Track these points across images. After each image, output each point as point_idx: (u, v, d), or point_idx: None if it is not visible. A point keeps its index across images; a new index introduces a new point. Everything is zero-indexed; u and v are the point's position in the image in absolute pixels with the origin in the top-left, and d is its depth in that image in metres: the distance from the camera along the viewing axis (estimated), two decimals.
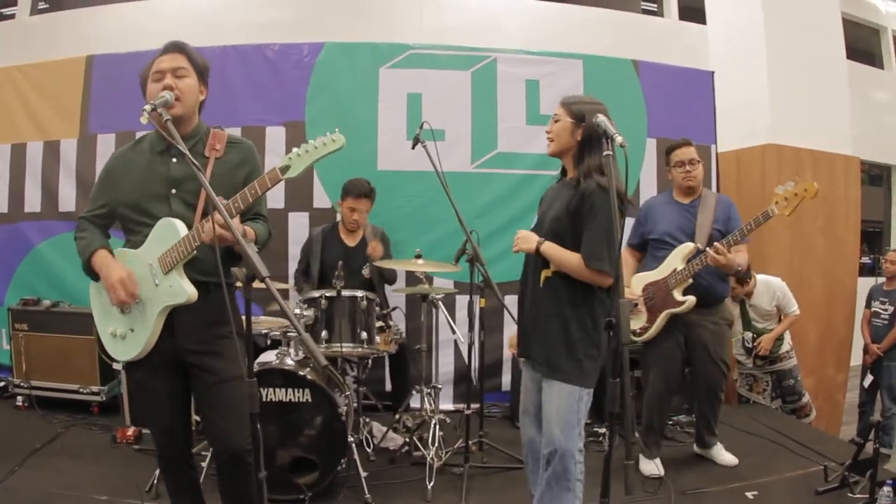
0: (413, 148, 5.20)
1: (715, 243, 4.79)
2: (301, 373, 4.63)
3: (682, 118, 7.16)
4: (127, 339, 3.22)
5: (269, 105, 6.78)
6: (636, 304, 5.06)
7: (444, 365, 6.56)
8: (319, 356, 2.42)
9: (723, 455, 5.35)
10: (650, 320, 5.06)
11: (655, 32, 8.66)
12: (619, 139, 3.03)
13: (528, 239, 3.66)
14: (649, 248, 5.25)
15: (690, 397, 5.89)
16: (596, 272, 3.46)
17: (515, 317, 3.97)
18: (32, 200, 7.42)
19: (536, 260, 3.69)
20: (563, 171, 3.84)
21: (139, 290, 3.13)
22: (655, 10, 9.37)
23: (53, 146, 7.33)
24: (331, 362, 5.20)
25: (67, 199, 7.24)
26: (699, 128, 7.14)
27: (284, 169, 2.90)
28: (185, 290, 3.06)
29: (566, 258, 3.51)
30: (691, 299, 4.96)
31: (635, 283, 5.15)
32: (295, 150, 2.90)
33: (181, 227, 3.06)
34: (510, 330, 6.42)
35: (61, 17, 9.30)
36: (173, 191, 3.19)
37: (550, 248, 3.56)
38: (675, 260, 5.01)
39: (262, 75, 6.84)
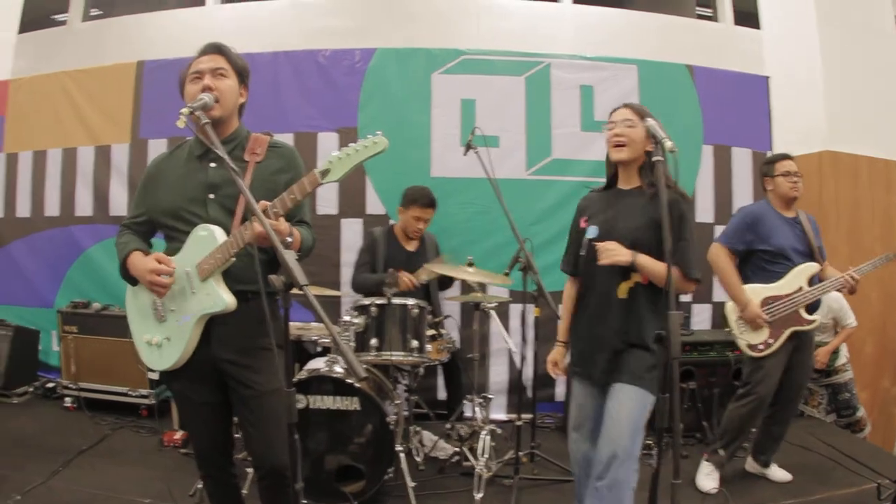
0: (465, 154, 5.17)
1: (853, 274, 4.82)
2: (350, 380, 4.58)
3: (737, 124, 7.07)
4: (163, 348, 3.17)
5: (321, 111, 6.79)
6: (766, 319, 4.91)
7: (497, 374, 6.53)
8: (358, 367, 2.33)
9: (776, 471, 5.23)
10: (773, 336, 4.89)
11: (710, 37, 8.48)
12: (668, 143, 3.03)
13: (619, 251, 3.42)
14: (756, 259, 5.02)
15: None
16: (692, 281, 3.53)
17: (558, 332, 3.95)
18: (83, 204, 7.54)
19: (612, 271, 3.51)
20: (611, 180, 3.77)
21: (174, 266, 3.06)
22: (710, 14, 9.18)
23: (104, 151, 7.45)
24: (382, 370, 5.14)
25: (119, 203, 7.33)
26: (754, 134, 7.06)
27: (324, 173, 2.79)
28: (222, 299, 2.99)
29: (661, 269, 3.34)
30: (818, 318, 4.94)
31: (752, 295, 4.95)
32: (335, 153, 2.79)
33: (219, 233, 3.00)
34: None
35: (112, 23, 9.30)
36: (211, 196, 3.13)
37: (646, 260, 3.42)
38: (800, 278, 4.89)
39: (314, 81, 6.85)
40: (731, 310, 5.03)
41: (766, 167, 5.20)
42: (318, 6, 8.04)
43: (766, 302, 4.89)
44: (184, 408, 3.47)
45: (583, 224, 3.74)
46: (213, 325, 3.08)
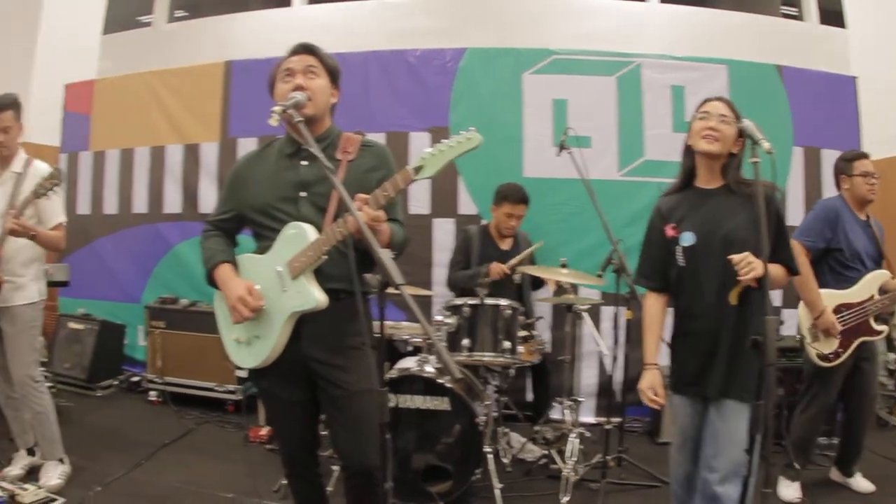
0: (559, 154, 5.14)
1: None
2: (440, 380, 4.58)
3: (826, 126, 6.91)
4: (252, 346, 3.16)
5: (412, 111, 6.79)
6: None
7: (588, 377, 6.47)
8: (453, 367, 2.26)
9: (860, 481, 5.08)
10: (843, 346, 4.73)
11: (796, 36, 8.35)
12: (766, 145, 2.92)
13: (757, 263, 3.06)
14: (831, 261, 4.82)
15: (834, 420, 5.57)
16: (791, 275, 3.41)
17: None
18: (172, 202, 7.68)
19: (725, 278, 3.27)
20: (685, 179, 3.54)
21: (262, 302, 3.05)
22: (795, 14, 9.03)
23: (193, 149, 7.58)
24: (472, 371, 5.12)
25: (207, 201, 7.42)
26: (843, 136, 6.88)
27: (417, 169, 2.73)
28: (314, 296, 2.95)
29: (773, 270, 3.15)
30: (886, 329, 4.78)
31: (826, 301, 4.75)
32: (428, 149, 2.73)
33: (310, 231, 2.97)
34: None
35: (198, 24, 9.44)
36: (303, 194, 3.11)
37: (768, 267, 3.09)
38: (872, 286, 4.74)
39: (405, 81, 6.86)
40: (804, 316, 4.85)
41: (843, 164, 5.02)
42: (404, 6, 8.07)
43: (839, 310, 4.72)
44: (271, 406, 3.46)
45: (670, 232, 3.47)
46: (304, 323, 3.05)
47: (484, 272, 5.29)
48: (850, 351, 4.71)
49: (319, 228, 2.98)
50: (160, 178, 7.72)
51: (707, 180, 3.44)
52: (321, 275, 2.98)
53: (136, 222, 7.85)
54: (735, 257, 3.11)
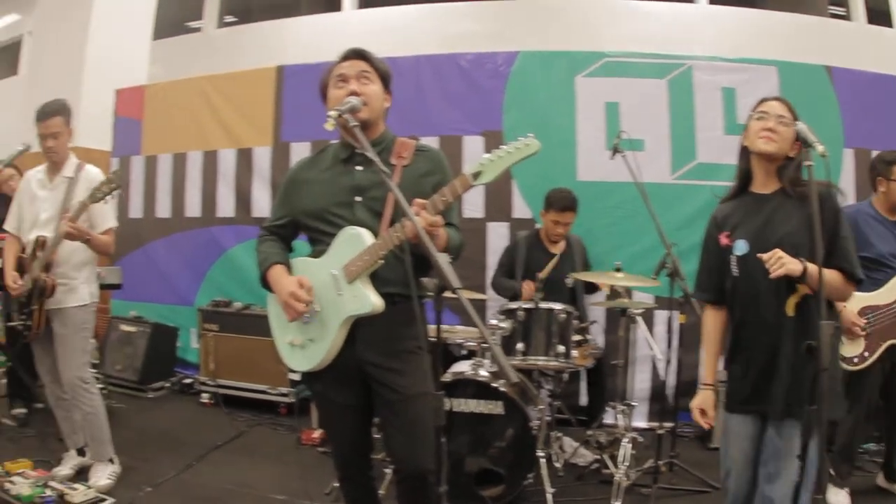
0: (612, 157, 5.13)
1: None
2: (494, 384, 4.59)
3: (877, 127, 6.76)
4: (306, 350, 3.15)
5: (465, 114, 6.78)
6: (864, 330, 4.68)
7: (641, 381, 6.43)
8: (510, 371, 2.24)
9: None
10: (869, 349, 4.64)
11: (845, 37, 8.29)
12: (820, 148, 2.84)
13: (789, 259, 2.95)
14: None
15: (881, 425, 5.49)
16: (854, 283, 3.17)
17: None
18: (225, 206, 7.75)
19: (779, 287, 3.11)
20: (742, 184, 3.38)
21: (313, 298, 3.05)
22: (843, 14, 8.96)
23: (246, 154, 7.63)
24: (526, 375, 5.13)
25: (261, 205, 7.50)
26: (894, 137, 6.75)
27: (476, 174, 2.75)
28: (370, 300, 2.94)
29: (831, 276, 3.01)
30: None
31: (851, 303, 4.65)
32: (486, 155, 2.74)
33: (367, 236, 2.97)
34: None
35: (249, 29, 9.56)
36: (358, 198, 3.11)
37: (814, 269, 2.90)
38: None
39: (457, 85, 6.85)
40: None
41: (882, 166, 4.89)
42: (454, 10, 8.10)
43: (865, 311, 4.63)
44: (324, 409, 3.48)
45: (724, 241, 3.32)
46: (359, 327, 3.04)
47: (518, 290, 5.33)
48: (877, 354, 4.61)
49: (375, 233, 2.99)
50: (213, 182, 7.79)
51: (763, 184, 3.29)
52: (377, 279, 2.98)
53: (189, 226, 7.93)
54: (765, 255, 3.02)
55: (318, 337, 3.08)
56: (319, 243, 3.17)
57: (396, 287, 3.01)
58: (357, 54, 3.17)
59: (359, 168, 3.14)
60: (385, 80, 3.22)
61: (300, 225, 3.32)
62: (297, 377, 6.42)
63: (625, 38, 7.48)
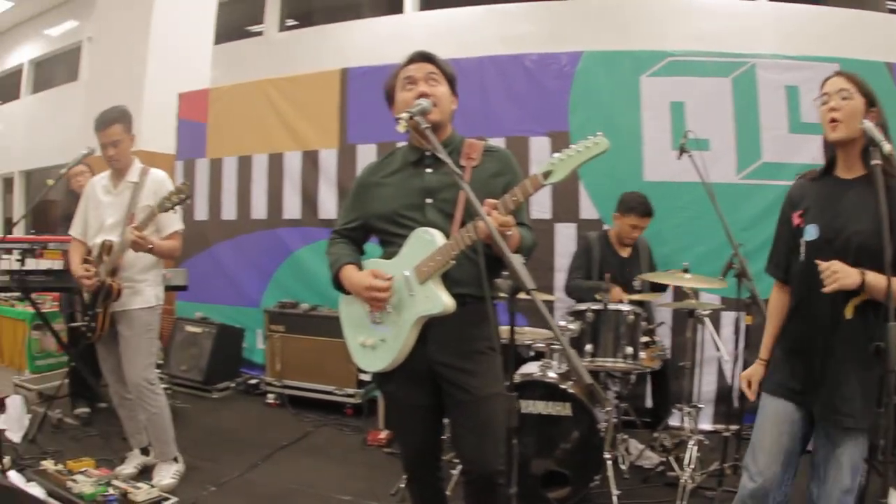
0: (679, 157, 5.10)
1: None
2: (563, 386, 4.58)
3: None
4: (377, 350, 3.17)
5: (530, 115, 6.75)
6: None
7: (707, 384, 6.35)
8: (584, 373, 2.22)
9: None
10: None
11: None
12: (887, 147, 2.76)
13: (846, 275, 2.83)
14: None
15: None
16: None
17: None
18: (291, 208, 7.80)
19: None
20: (829, 166, 3.19)
21: (389, 277, 3.07)
22: None
23: (312, 156, 7.70)
24: (593, 376, 5.09)
25: (327, 206, 7.56)
26: None
27: (546, 174, 2.74)
28: (441, 301, 2.94)
29: None
30: None
31: None
32: (556, 154, 2.73)
33: (438, 237, 2.97)
34: None
35: (310, 32, 9.65)
36: (429, 200, 3.12)
37: (877, 280, 2.80)
38: None
39: (522, 85, 6.82)
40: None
41: None
42: (513, 12, 8.12)
43: None
44: (394, 409, 3.50)
45: (797, 220, 3.16)
46: (430, 327, 3.06)
47: (605, 289, 5.20)
48: None
49: (447, 234, 3.00)
50: (279, 184, 7.86)
51: (846, 169, 3.10)
52: (448, 279, 2.99)
53: (255, 228, 8.01)
54: (822, 265, 2.89)
55: (390, 337, 3.11)
56: (391, 245, 3.20)
57: (468, 287, 3.04)
58: (423, 56, 3.19)
59: (429, 170, 3.17)
60: (451, 81, 3.23)
61: (371, 228, 3.34)
62: (366, 377, 6.51)
63: (687, 37, 7.43)
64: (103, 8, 9.79)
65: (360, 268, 3.22)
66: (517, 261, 2.42)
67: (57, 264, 6.09)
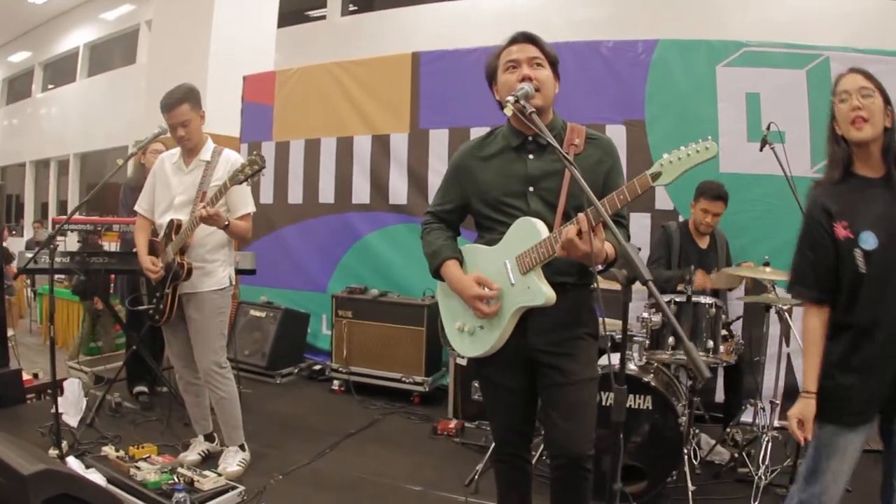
0: (761, 150, 5.05)
1: None
2: (645, 379, 4.55)
3: None
4: (475, 336, 3.17)
5: (607, 102, 6.70)
6: None
7: (773, 379, 6.28)
8: (703, 367, 2.16)
9: None
10: None
11: None
12: None
13: None
14: None
15: None
16: None
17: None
18: (360, 192, 7.81)
19: None
20: (846, 168, 3.02)
21: (497, 288, 3.04)
22: None
23: (383, 140, 7.68)
24: (668, 369, 5.11)
25: (398, 192, 7.56)
26: None
27: (655, 176, 2.69)
28: (543, 292, 2.92)
29: None
30: None
31: None
32: (666, 156, 2.67)
33: (542, 228, 2.94)
34: None
35: (376, 16, 9.67)
36: (530, 188, 3.09)
37: None
38: None
39: (598, 72, 6.76)
40: None
41: None
42: None
43: None
44: (490, 392, 3.44)
45: (843, 232, 2.94)
46: (530, 315, 3.03)
47: (688, 278, 5.14)
48: None
49: (548, 223, 2.97)
50: (348, 168, 7.86)
51: (868, 168, 2.99)
52: (550, 267, 2.96)
53: (323, 212, 8.03)
54: None
55: (489, 325, 3.10)
56: (490, 231, 3.19)
57: (570, 277, 3.04)
58: (526, 37, 3.12)
59: (531, 156, 3.12)
60: (554, 64, 3.16)
61: (469, 210, 3.32)
62: (439, 362, 6.60)
63: (760, 27, 7.37)
64: None
65: (461, 259, 3.24)
66: (633, 250, 2.38)
67: (113, 246, 6.19)
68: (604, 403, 4.45)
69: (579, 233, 2.68)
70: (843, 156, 3.01)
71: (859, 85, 2.93)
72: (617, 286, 2.52)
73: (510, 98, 2.80)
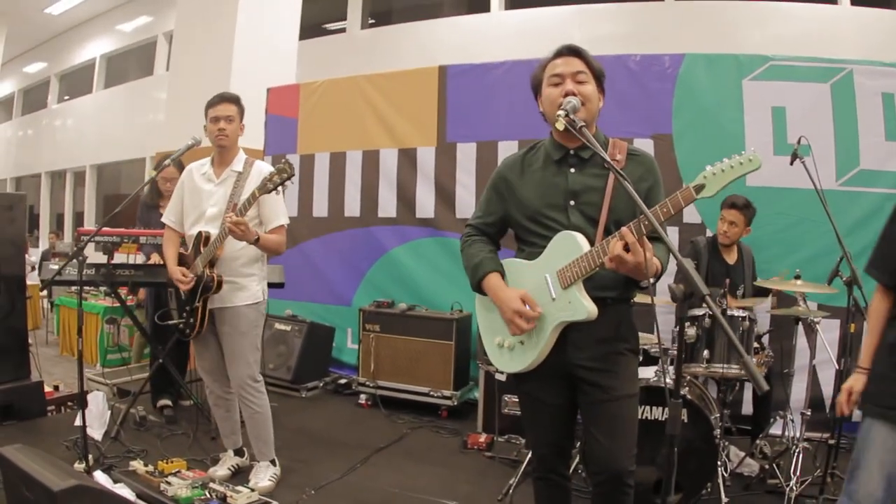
0: (791, 163, 5.07)
1: None
2: (681, 392, 4.50)
3: None
4: (515, 352, 3.17)
5: (635, 117, 6.72)
6: None
7: (801, 391, 6.27)
8: (761, 380, 2.21)
9: None
10: None
11: None
12: None
13: None
14: None
15: None
16: None
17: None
18: (387, 206, 7.83)
19: None
20: None
21: (539, 311, 3.03)
22: None
23: (409, 154, 7.71)
24: (701, 382, 5.14)
25: (425, 206, 7.59)
26: None
27: (699, 188, 2.70)
28: (584, 307, 2.91)
29: None
30: None
31: None
32: (709, 168, 2.70)
33: (583, 242, 2.94)
34: None
35: (396, 30, 9.75)
36: (571, 202, 3.08)
37: None
38: None
39: (626, 86, 6.77)
40: None
41: None
42: (599, 12, 8.15)
43: None
44: (529, 407, 3.38)
45: None
46: (570, 330, 3.03)
47: (720, 295, 5.20)
48: None
49: (589, 238, 2.97)
50: (374, 181, 7.89)
51: None
52: (591, 282, 2.96)
53: (348, 225, 8.06)
54: None
55: (529, 340, 3.10)
56: (531, 245, 3.19)
57: (611, 291, 3.05)
58: (571, 51, 3.13)
59: (572, 170, 3.11)
60: (599, 79, 3.16)
61: (510, 223, 3.34)
62: (467, 376, 6.60)
63: (782, 41, 7.39)
64: (185, 2, 9.98)
65: (503, 272, 3.23)
66: (690, 265, 2.39)
67: (131, 259, 6.21)
68: (640, 417, 4.46)
69: (625, 247, 2.69)
70: None
71: None
72: (647, 300, 2.56)
73: (560, 112, 2.83)
